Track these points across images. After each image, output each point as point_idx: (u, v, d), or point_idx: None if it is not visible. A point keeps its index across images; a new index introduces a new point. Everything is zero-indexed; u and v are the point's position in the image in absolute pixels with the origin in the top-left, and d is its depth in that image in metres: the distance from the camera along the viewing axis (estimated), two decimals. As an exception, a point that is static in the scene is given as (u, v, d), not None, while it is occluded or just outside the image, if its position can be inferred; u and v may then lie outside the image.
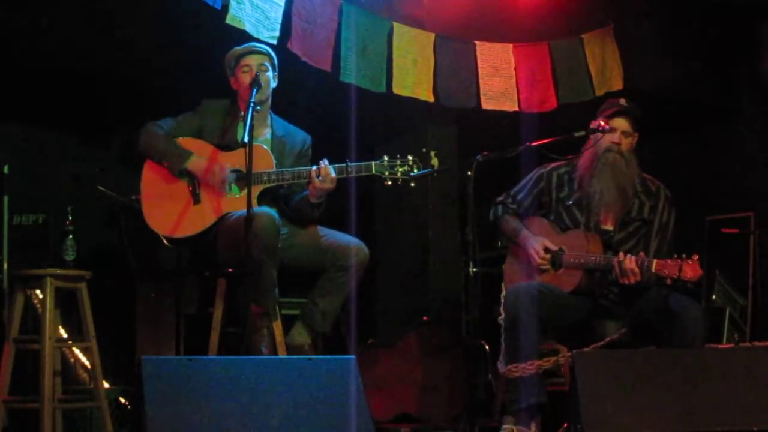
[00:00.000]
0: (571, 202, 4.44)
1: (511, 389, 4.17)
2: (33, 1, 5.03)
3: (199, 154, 4.52)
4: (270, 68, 4.60)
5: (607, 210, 4.38)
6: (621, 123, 4.39)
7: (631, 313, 4.29)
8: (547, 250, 4.36)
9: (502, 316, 4.30)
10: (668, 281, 4.05)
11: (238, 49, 4.61)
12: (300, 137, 4.74)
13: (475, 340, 5.26)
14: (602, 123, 4.38)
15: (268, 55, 4.62)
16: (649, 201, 4.43)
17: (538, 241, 4.38)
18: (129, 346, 5.48)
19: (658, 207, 4.43)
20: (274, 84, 4.64)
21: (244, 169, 4.27)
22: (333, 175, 4.42)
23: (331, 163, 4.46)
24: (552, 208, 4.50)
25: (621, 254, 4.16)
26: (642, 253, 4.16)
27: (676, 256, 4.04)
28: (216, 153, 4.54)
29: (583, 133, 4.40)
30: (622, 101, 4.46)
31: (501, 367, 4.25)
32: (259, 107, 4.38)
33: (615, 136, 4.38)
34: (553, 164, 4.57)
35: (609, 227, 4.40)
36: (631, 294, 4.27)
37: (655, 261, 4.08)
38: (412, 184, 4.56)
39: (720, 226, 6.44)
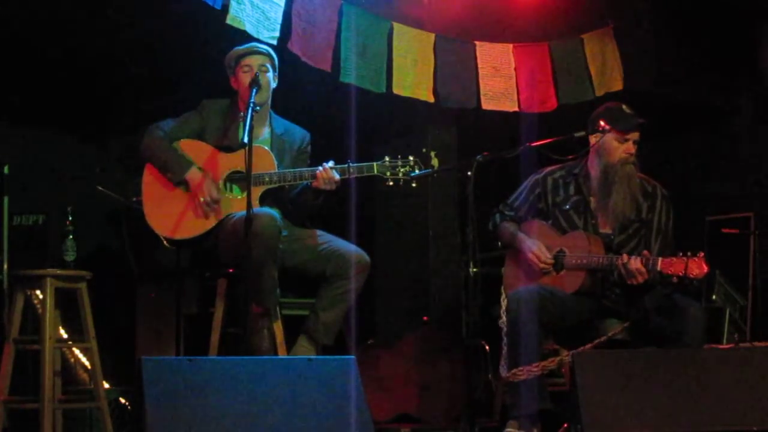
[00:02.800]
0: (568, 207, 4.44)
1: (513, 394, 4.16)
2: (33, 1, 5.03)
3: (199, 156, 4.52)
4: (270, 69, 4.60)
5: (615, 217, 4.37)
6: (635, 135, 4.39)
7: (633, 312, 4.29)
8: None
9: (503, 320, 4.29)
10: (674, 279, 4.05)
11: (239, 49, 4.61)
12: (299, 134, 4.74)
13: (475, 340, 5.27)
14: (602, 124, 4.36)
15: (268, 55, 4.62)
16: (646, 201, 4.43)
17: (535, 244, 4.37)
18: (129, 346, 5.48)
19: (656, 207, 4.42)
20: (274, 84, 4.64)
21: (244, 170, 4.27)
22: (336, 177, 4.43)
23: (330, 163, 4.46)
24: (549, 213, 4.49)
25: (624, 256, 4.15)
26: (646, 252, 4.15)
27: (681, 253, 4.03)
28: (216, 154, 4.54)
29: (583, 133, 4.39)
30: (626, 108, 4.44)
31: (503, 371, 4.25)
32: (258, 108, 4.39)
33: (630, 147, 4.37)
34: (548, 169, 4.57)
35: (608, 230, 4.40)
36: (634, 293, 4.27)
37: (660, 259, 4.07)
38: (414, 185, 4.56)
39: (720, 226, 6.44)
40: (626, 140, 4.35)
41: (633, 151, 4.37)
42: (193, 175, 4.46)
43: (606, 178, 4.38)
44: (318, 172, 4.43)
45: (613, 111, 4.43)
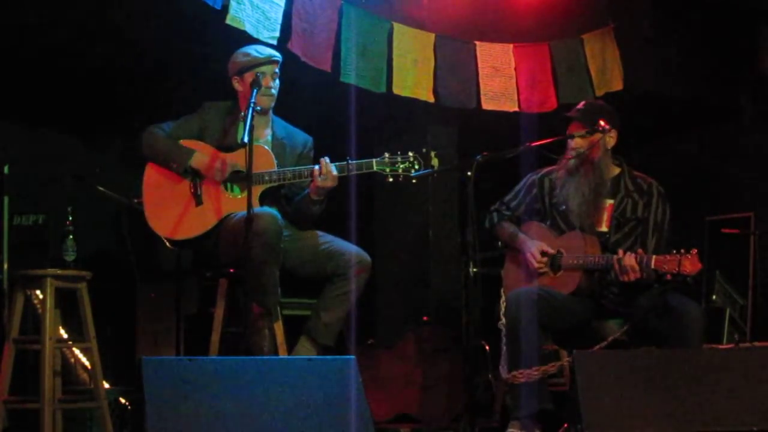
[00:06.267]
0: (564, 207, 4.44)
1: (514, 395, 4.17)
2: (33, 1, 5.03)
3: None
4: (279, 74, 4.59)
5: (576, 216, 4.38)
6: (571, 129, 4.40)
7: (631, 312, 4.30)
8: (543, 253, 4.36)
9: (503, 321, 4.30)
10: (668, 276, 4.06)
11: (260, 57, 4.51)
12: (301, 139, 4.73)
13: (475, 340, 5.26)
14: (602, 123, 4.37)
15: (279, 62, 4.60)
16: (642, 199, 4.43)
17: (535, 245, 4.38)
18: (129, 346, 5.48)
19: (651, 204, 4.43)
20: (275, 92, 4.62)
21: (244, 169, 4.27)
22: (334, 172, 4.42)
23: (331, 161, 4.46)
24: (546, 213, 4.50)
25: (620, 252, 4.17)
26: (640, 250, 4.16)
27: (675, 251, 4.05)
28: (217, 154, 4.54)
29: (583, 133, 4.40)
30: (579, 106, 4.49)
31: (503, 372, 4.25)
32: (259, 108, 4.39)
33: (572, 144, 4.39)
34: (546, 169, 4.58)
35: (604, 229, 4.40)
36: (631, 293, 4.27)
37: (654, 257, 4.09)
38: (414, 181, 4.56)
39: (720, 226, 6.44)
40: (570, 137, 4.40)
41: (576, 145, 4.37)
42: (198, 159, 4.46)
43: (563, 176, 4.42)
44: (321, 165, 4.41)
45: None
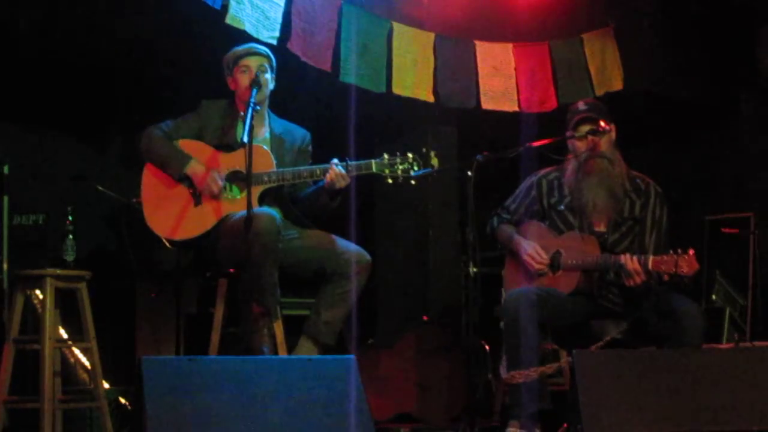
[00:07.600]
0: (562, 207, 4.44)
1: (513, 395, 4.17)
2: (33, 2, 5.03)
3: (199, 156, 4.52)
4: (269, 69, 4.60)
5: (601, 214, 4.39)
6: (586, 127, 4.39)
7: (630, 313, 4.30)
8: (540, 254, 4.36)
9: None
10: (665, 277, 4.06)
11: (238, 50, 4.61)
12: (299, 134, 4.73)
13: (475, 340, 5.27)
14: (602, 124, 4.38)
15: (266, 56, 4.62)
16: (639, 199, 4.43)
17: (530, 246, 4.38)
18: (129, 346, 5.48)
19: (649, 204, 4.43)
20: (271, 85, 4.63)
21: (244, 170, 4.27)
22: (343, 172, 4.41)
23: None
24: (545, 214, 4.50)
25: (622, 257, 4.16)
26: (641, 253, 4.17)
27: (671, 251, 4.05)
28: (216, 154, 4.54)
29: (583, 133, 4.39)
30: (581, 105, 4.47)
31: (503, 372, 4.25)
32: (258, 107, 4.39)
33: (587, 142, 4.38)
34: (543, 171, 4.58)
35: (602, 229, 4.40)
36: (631, 294, 4.27)
37: (651, 258, 4.09)
38: (413, 182, 4.55)
39: (720, 226, 6.44)
40: (583, 135, 4.37)
41: (594, 144, 4.36)
42: (194, 168, 4.46)
43: (576, 176, 4.40)
44: (330, 171, 4.40)
45: (569, 111, 4.50)
